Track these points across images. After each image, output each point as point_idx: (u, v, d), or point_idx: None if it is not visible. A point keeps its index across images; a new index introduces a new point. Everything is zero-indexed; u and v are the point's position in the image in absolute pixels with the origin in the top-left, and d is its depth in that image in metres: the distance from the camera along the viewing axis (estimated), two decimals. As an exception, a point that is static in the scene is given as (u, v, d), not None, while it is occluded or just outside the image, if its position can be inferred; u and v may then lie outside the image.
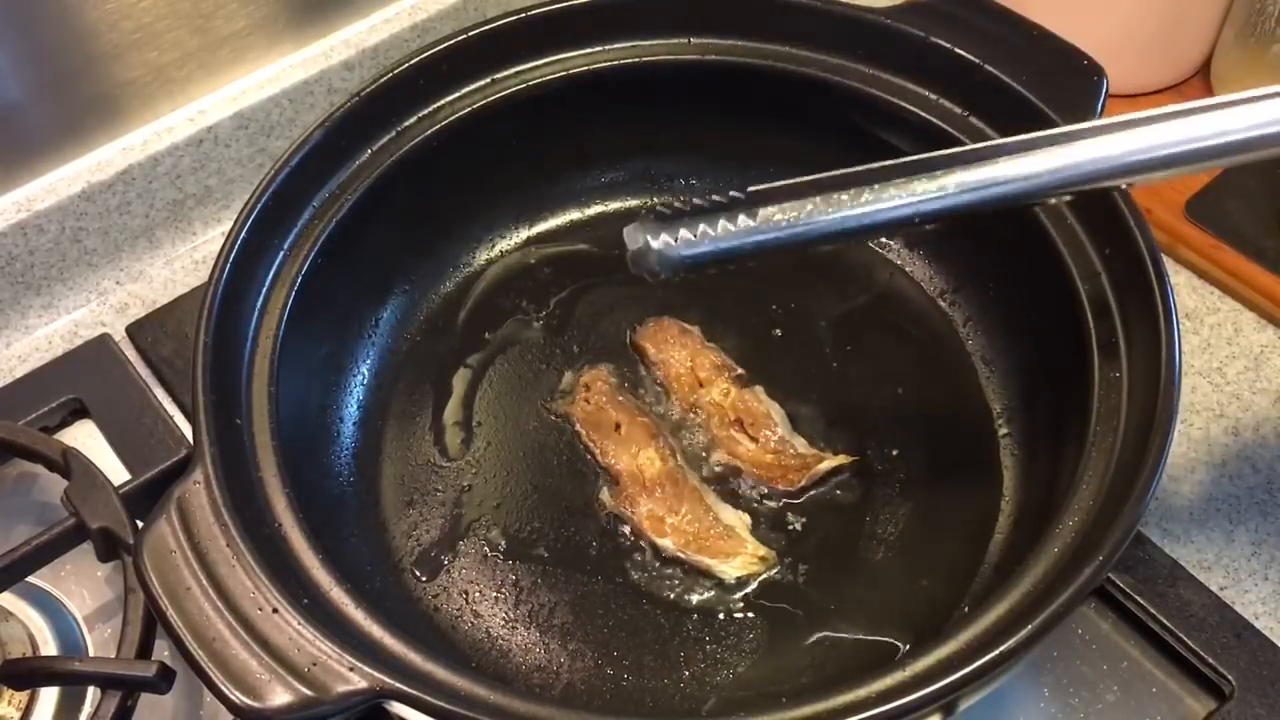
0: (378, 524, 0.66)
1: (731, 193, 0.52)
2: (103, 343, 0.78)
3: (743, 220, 0.52)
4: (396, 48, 0.87)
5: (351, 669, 0.47)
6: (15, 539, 0.65)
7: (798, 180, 0.53)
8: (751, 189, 0.53)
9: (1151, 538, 0.67)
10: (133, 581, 0.60)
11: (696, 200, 0.52)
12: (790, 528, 0.65)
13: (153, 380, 0.77)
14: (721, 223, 0.52)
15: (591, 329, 0.75)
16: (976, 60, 0.66)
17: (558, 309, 0.76)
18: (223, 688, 0.47)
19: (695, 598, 0.63)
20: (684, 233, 0.52)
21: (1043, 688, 0.63)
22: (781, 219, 0.52)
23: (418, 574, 0.65)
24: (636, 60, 0.72)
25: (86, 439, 0.74)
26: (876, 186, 0.52)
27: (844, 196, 0.52)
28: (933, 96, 0.69)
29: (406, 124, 0.69)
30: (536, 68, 0.72)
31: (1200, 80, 0.90)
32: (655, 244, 0.52)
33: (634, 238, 0.53)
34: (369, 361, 0.72)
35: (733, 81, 0.72)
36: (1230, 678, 0.62)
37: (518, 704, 0.48)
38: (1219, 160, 0.51)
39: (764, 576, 0.63)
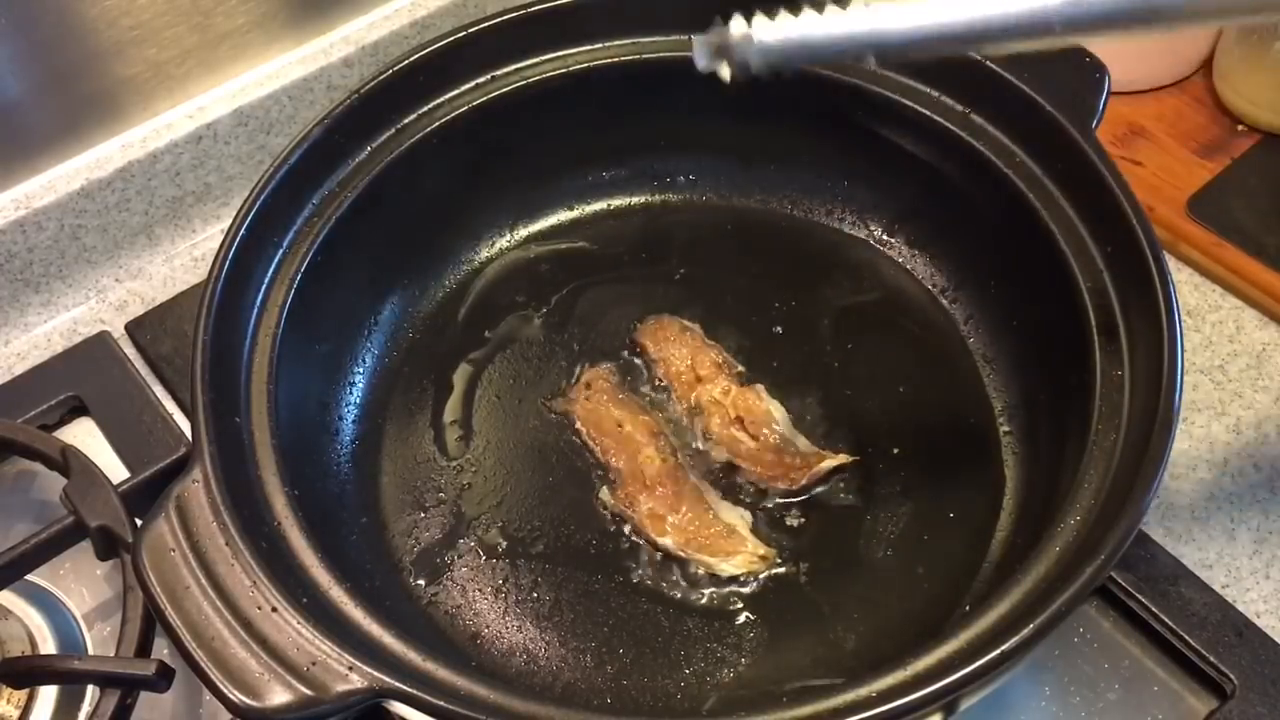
0: (377, 523, 0.66)
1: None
2: (102, 340, 0.78)
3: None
4: (396, 44, 0.86)
5: (351, 668, 0.47)
6: (14, 537, 0.65)
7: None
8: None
9: (1153, 536, 0.67)
10: (131, 580, 0.60)
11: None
12: (791, 526, 0.65)
13: (152, 378, 0.77)
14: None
15: (592, 326, 0.74)
16: (978, 58, 0.66)
17: (558, 306, 0.75)
18: (221, 687, 0.47)
19: (695, 596, 0.63)
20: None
21: (1044, 686, 0.63)
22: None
23: (417, 573, 0.64)
24: (637, 57, 0.72)
25: (85, 437, 0.73)
26: None
27: None
28: (934, 94, 0.68)
29: (406, 121, 0.69)
30: (536, 65, 0.71)
31: (1201, 78, 0.89)
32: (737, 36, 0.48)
33: (719, 33, 0.49)
34: (368, 359, 0.72)
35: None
36: (1232, 676, 0.62)
37: (518, 703, 0.48)
38: None
39: (764, 575, 0.63)
